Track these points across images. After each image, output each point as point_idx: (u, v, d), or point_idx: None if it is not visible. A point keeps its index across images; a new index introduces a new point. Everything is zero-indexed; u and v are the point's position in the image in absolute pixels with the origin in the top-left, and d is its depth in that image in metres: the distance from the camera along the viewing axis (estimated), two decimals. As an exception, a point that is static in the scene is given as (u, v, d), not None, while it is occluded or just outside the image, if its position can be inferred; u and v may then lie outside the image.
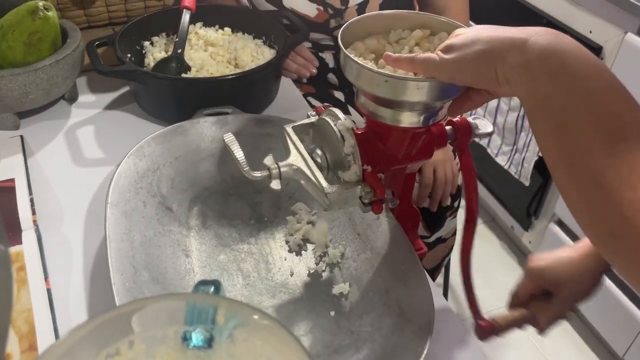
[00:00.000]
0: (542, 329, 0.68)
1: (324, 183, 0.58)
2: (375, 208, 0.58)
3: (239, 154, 0.59)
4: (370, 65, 0.55)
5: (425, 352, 0.55)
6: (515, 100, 1.58)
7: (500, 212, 1.87)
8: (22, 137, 0.86)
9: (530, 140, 1.56)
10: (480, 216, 1.99)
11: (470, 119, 0.67)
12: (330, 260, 0.70)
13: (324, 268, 0.70)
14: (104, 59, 0.91)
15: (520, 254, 1.87)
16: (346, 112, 1.11)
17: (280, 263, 0.71)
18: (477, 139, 0.80)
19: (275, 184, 0.59)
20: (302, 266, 0.70)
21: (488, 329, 0.67)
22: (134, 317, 0.32)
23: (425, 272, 0.64)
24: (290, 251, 0.72)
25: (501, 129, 1.66)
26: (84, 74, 1.01)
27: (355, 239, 0.70)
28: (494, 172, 1.79)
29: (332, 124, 0.59)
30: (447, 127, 0.65)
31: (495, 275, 1.81)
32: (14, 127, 0.89)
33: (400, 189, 0.68)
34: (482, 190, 1.93)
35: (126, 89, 0.98)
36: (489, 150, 1.74)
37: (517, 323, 0.68)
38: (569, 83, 0.43)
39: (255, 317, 0.33)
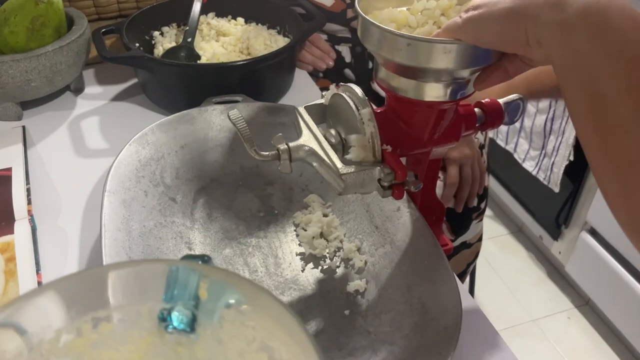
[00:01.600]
0: None
1: (339, 164, 0.51)
2: (396, 192, 0.51)
3: (245, 132, 0.54)
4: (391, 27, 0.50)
5: (452, 355, 0.48)
6: (544, 103, 1.51)
7: (527, 221, 1.79)
8: (24, 127, 0.82)
9: (560, 144, 1.49)
10: (507, 226, 1.91)
11: (501, 101, 0.61)
12: (345, 255, 0.64)
13: (338, 263, 0.64)
14: (113, 50, 0.87)
15: (550, 265, 1.78)
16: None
17: (290, 258, 0.65)
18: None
19: (285, 167, 0.54)
20: (314, 261, 0.64)
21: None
22: (103, 285, 0.26)
23: (451, 268, 0.57)
24: (301, 245, 0.66)
25: (529, 133, 1.59)
26: (92, 66, 0.97)
27: (373, 232, 0.64)
28: (521, 178, 1.71)
29: (347, 98, 0.53)
30: (476, 109, 0.59)
31: (522, 288, 1.72)
32: (17, 117, 0.85)
33: (423, 177, 0.62)
34: (508, 199, 1.85)
35: (134, 80, 0.93)
36: (515, 156, 1.66)
37: None
38: (610, 46, 0.37)
39: (246, 290, 0.27)
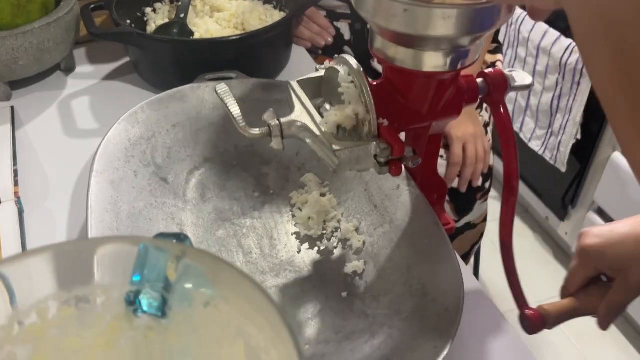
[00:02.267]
0: (602, 320, 0.56)
1: (332, 139, 0.49)
2: (393, 168, 0.49)
3: (233, 108, 0.51)
4: None
5: (453, 337, 0.46)
6: (550, 80, 1.47)
7: (533, 202, 1.75)
8: (12, 107, 0.80)
9: (568, 122, 1.45)
10: (512, 207, 1.88)
11: (505, 71, 0.57)
12: (342, 235, 0.61)
13: (335, 244, 0.61)
14: (104, 28, 0.85)
15: (556, 246, 1.75)
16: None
17: (286, 239, 0.62)
18: (513, 93, 0.69)
19: (276, 143, 0.51)
20: (310, 242, 0.62)
21: (537, 320, 0.56)
22: (63, 265, 0.24)
23: (452, 248, 0.55)
24: (297, 226, 0.64)
25: (535, 112, 1.55)
26: (83, 45, 0.94)
27: (371, 211, 0.62)
28: (526, 158, 1.67)
29: (341, 70, 0.50)
30: (479, 80, 0.56)
31: (529, 270, 1.69)
32: (5, 97, 0.82)
33: (423, 153, 0.59)
34: (513, 179, 1.82)
35: (126, 59, 0.90)
36: (521, 135, 1.63)
37: (572, 313, 0.57)
38: None
39: (218, 270, 0.24)
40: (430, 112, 0.54)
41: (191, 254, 0.25)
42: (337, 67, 0.51)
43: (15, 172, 0.68)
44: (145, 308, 0.26)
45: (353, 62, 0.50)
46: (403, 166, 0.49)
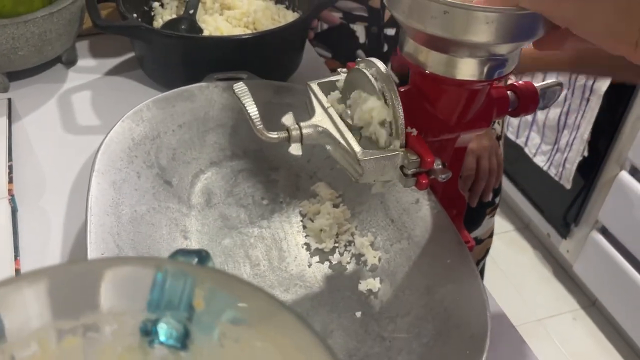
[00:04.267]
0: None
1: (357, 147, 0.45)
2: (421, 182, 0.45)
3: (251, 108, 0.48)
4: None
5: (480, 367, 0.43)
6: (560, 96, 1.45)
7: (535, 218, 1.73)
8: (9, 99, 0.76)
9: (575, 139, 1.43)
10: (513, 223, 1.85)
11: (537, 84, 0.54)
12: (356, 250, 0.58)
13: (349, 259, 0.58)
14: (109, 21, 0.81)
15: (556, 264, 1.72)
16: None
17: (296, 251, 0.59)
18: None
19: (295, 149, 0.48)
20: (322, 256, 0.58)
21: None
22: (67, 288, 0.20)
23: (477, 269, 0.51)
24: (308, 237, 0.60)
25: (541, 127, 1.53)
26: (86, 38, 0.90)
27: (388, 225, 0.58)
28: (530, 173, 1.65)
29: (367, 73, 0.47)
30: (509, 92, 0.53)
31: (528, 287, 1.67)
32: (2, 89, 0.78)
33: (447, 165, 0.56)
34: (516, 195, 1.79)
35: (131, 54, 0.87)
36: (526, 150, 1.60)
37: None
38: None
39: (253, 301, 0.20)
40: (459, 123, 0.50)
41: (220, 279, 0.21)
42: (363, 69, 0.48)
43: (10, 168, 0.64)
44: (163, 338, 0.23)
45: (381, 65, 0.47)
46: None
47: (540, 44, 0.42)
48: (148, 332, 0.23)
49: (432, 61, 0.46)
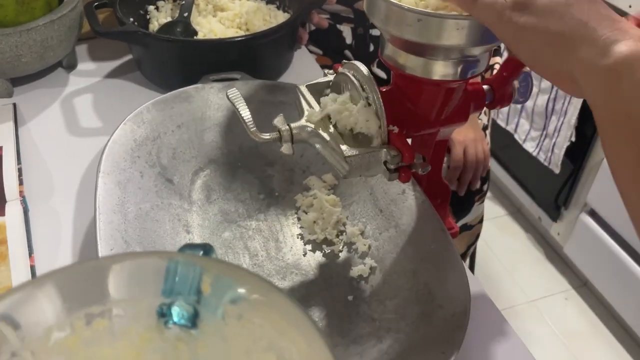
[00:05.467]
0: None
1: (343, 146, 0.49)
2: (403, 175, 0.49)
3: (244, 112, 0.51)
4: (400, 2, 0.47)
5: (461, 342, 0.47)
6: (546, 82, 1.48)
7: (526, 202, 1.77)
8: (14, 104, 0.79)
9: (562, 124, 1.47)
10: (505, 207, 1.89)
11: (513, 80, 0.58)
12: (348, 238, 0.62)
13: (341, 247, 0.62)
14: (106, 26, 0.84)
15: (548, 246, 1.77)
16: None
17: (291, 242, 0.63)
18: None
19: (287, 148, 0.52)
20: (316, 245, 0.62)
21: None
22: (98, 279, 0.24)
23: (458, 253, 0.55)
24: (303, 229, 0.64)
25: (530, 113, 1.57)
26: (85, 42, 0.94)
27: (377, 215, 0.62)
28: (520, 159, 1.69)
29: (351, 76, 0.50)
30: (485, 87, 0.57)
31: (520, 269, 1.72)
32: (7, 94, 0.82)
33: (429, 158, 0.60)
34: (507, 180, 1.83)
35: (129, 56, 0.90)
36: (516, 136, 1.64)
37: None
38: None
39: (251, 284, 0.25)
40: (438, 119, 0.54)
41: (223, 268, 0.25)
42: (347, 72, 0.52)
43: (20, 171, 0.68)
44: (175, 319, 0.27)
45: (363, 68, 0.50)
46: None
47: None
48: (163, 314, 0.27)
49: (410, 63, 0.49)
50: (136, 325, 0.27)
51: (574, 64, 0.37)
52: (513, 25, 0.39)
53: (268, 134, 0.51)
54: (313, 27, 1.00)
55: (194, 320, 0.27)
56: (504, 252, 1.76)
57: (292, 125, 0.51)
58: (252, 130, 0.51)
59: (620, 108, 0.35)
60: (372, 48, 1.02)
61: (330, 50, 1.01)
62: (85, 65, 0.90)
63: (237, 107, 0.52)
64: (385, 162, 0.49)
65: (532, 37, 0.38)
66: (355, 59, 1.05)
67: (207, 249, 0.28)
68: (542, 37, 0.38)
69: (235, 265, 0.27)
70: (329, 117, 0.52)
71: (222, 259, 0.55)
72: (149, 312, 0.26)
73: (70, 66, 0.88)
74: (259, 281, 0.25)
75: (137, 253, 0.39)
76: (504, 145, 1.73)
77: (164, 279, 0.26)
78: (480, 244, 1.40)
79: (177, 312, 0.27)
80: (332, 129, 0.51)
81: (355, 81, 0.50)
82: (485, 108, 0.59)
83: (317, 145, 0.52)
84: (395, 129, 0.50)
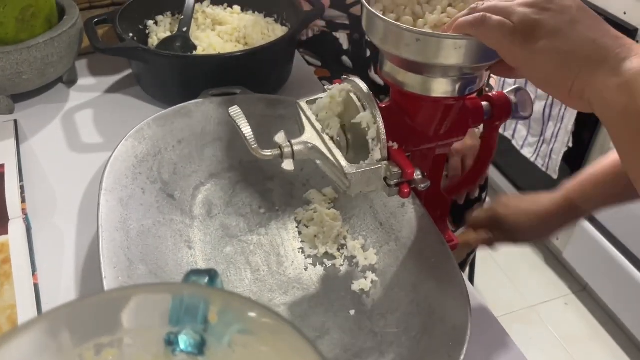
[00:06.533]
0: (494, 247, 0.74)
1: (344, 162, 0.50)
2: (403, 191, 0.50)
3: (246, 129, 0.52)
4: (398, 21, 0.48)
5: (462, 356, 0.47)
6: (543, 89, 1.49)
7: (525, 207, 1.78)
8: (15, 121, 0.80)
9: (560, 130, 1.47)
10: (504, 212, 1.90)
11: (511, 96, 0.59)
12: (349, 252, 0.63)
13: (342, 262, 0.62)
14: (106, 41, 0.85)
15: (547, 251, 1.78)
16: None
17: (293, 256, 0.63)
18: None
19: (288, 164, 0.52)
20: (317, 259, 0.63)
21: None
22: (106, 311, 0.25)
23: (458, 267, 0.56)
24: (304, 243, 0.65)
25: (527, 119, 1.57)
26: (85, 57, 0.94)
27: (377, 228, 0.63)
28: (519, 165, 1.70)
29: (352, 94, 0.51)
30: (484, 103, 0.58)
31: (520, 274, 1.72)
32: (8, 111, 0.82)
33: (428, 172, 0.60)
34: (505, 185, 1.84)
35: (128, 71, 0.91)
36: (514, 142, 1.65)
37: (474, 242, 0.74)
38: None
39: (257, 315, 0.25)
40: (436, 134, 0.55)
41: (229, 298, 0.26)
42: (346, 90, 0.52)
43: (22, 188, 0.68)
44: (182, 347, 0.27)
45: (363, 86, 0.51)
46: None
47: (495, 70, 0.47)
48: (171, 342, 0.27)
49: (409, 81, 0.50)
50: (145, 354, 0.27)
51: (586, 82, 0.38)
52: (523, 48, 0.40)
53: (269, 151, 0.52)
54: (311, 34, 1.01)
55: (201, 348, 0.27)
56: (503, 257, 1.77)
57: (293, 141, 0.52)
58: (253, 147, 0.51)
59: (637, 124, 0.36)
60: (368, 53, 1.03)
61: (328, 57, 1.01)
62: (85, 80, 0.90)
63: (238, 124, 0.52)
64: (385, 178, 0.50)
65: (543, 60, 0.39)
66: (353, 64, 1.06)
67: (212, 274, 0.29)
68: (554, 59, 0.39)
69: (240, 296, 0.27)
70: (327, 133, 0.53)
71: (226, 277, 0.55)
72: (157, 340, 0.27)
73: (71, 82, 0.89)
74: (262, 310, 0.26)
75: (145, 285, 0.39)
76: (502, 151, 1.74)
77: (172, 310, 0.26)
78: (480, 249, 1.41)
79: (185, 340, 0.27)
80: (331, 144, 0.51)
81: (356, 99, 0.51)
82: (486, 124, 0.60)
83: (318, 162, 0.53)
84: (395, 145, 0.50)
